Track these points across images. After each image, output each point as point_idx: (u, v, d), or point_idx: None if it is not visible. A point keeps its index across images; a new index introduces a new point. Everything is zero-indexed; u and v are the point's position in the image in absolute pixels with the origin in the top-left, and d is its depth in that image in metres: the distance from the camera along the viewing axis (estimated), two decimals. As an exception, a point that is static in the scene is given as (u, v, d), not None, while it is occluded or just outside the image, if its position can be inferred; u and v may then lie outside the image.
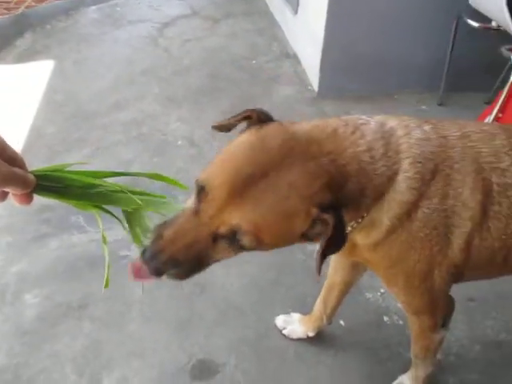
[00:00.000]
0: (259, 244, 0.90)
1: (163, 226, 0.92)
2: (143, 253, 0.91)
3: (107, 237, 0.96)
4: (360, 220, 1.03)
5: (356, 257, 1.19)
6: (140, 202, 0.94)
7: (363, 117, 1.05)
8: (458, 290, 1.35)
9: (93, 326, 1.81)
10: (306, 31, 3.52)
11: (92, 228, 2.19)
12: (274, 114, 3.16)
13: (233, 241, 0.89)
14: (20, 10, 4.41)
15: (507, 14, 2.37)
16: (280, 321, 1.77)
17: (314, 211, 0.89)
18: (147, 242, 0.94)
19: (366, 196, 0.99)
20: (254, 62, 3.79)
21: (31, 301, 1.91)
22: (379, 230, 1.05)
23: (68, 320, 1.83)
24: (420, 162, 1.02)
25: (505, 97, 2.38)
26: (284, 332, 1.75)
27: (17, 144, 2.81)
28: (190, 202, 0.94)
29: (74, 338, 1.77)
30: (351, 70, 3.28)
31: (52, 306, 1.88)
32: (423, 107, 3.25)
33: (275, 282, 1.96)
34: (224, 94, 3.37)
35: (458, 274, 1.16)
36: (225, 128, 1.05)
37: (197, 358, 1.70)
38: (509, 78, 2.47)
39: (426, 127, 1.08)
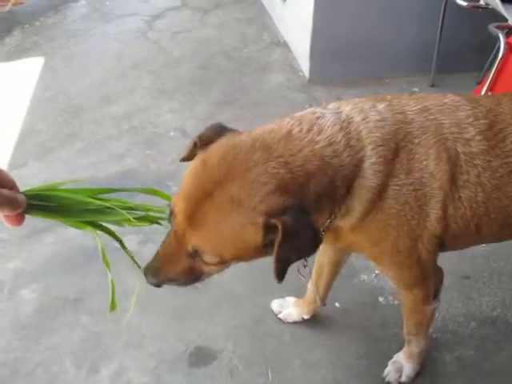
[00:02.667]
0: (223, 260, 0.98)
1: (161, 245, 1.04)
2: (145, 269, 1.02)
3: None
4: (338, 210, 1.05)
5: (341, 243, 1.21)
6: (133, 220, 0.96)
7: (317, 110, 1.06)
8: (452, 268, 1.37)
9: (90, 318, 1.82)
10: (295, 18, 3.50)
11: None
12: (266, 102, 3.16)
13: (199, 258, 0.98)
14: (7, 8, 4.38)
15: (494, -8, 2.36)
16: (275, 305, 1.78)
17: (261, 220, 0.90)
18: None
19: (337, 188, 1.01)
20: (244, 51, 3.78)
21: (28, 296, 1.92)
22: (354, 215, 1.07)
23: (65, 313, 1.84)
24: (381, 145, 1.04)
25: (494, 75, 2.38)
26: (280, 316, 1.76)
27: (9, 142, 2.81)
28: None
29: (72, 331, 1.78)
30: (341, 55, 3.27)
31: (49, 300, 1.89)
32: (415, 89, 3.24)
33: (270, 268, 1.95)
34: (215, 84, 3.36)
35: (441, 244, 1.18)
36: (189, 159, 1.06)
37: (194, 346, 1.71)
38: (498, 56, 2.47)
39: (380, 106, 1.09)
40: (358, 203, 1.05)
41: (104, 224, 0.97)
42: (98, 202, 0.91)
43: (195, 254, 0.97)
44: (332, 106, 1.12)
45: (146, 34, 4.15)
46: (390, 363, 1.60)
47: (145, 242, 2.05)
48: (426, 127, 1.09)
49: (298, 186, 0.94)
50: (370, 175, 1.03)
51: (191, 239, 0.95)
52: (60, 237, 2.15)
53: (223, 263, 0.99)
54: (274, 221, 0.89)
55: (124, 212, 0.93)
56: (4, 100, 3.26)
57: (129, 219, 0.95)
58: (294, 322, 1.75)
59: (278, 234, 0.89)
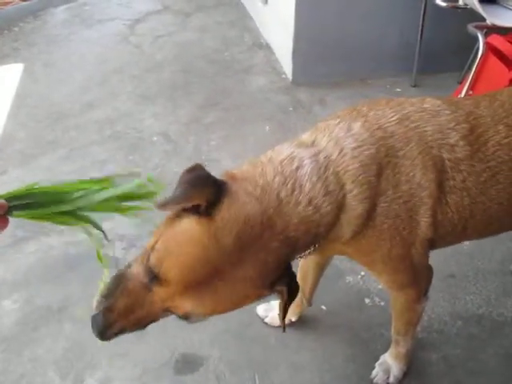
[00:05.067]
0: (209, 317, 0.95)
1: (110, 293, 0.93)
2: (93, 321, 0.93)
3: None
4: (325, 238, 1.05)
5: (330, 252, 1.20)
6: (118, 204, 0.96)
7: (296, 152, 1.02)
8: (438, 267, 1.37)
9: (74, 327, 1.79)
10: (277, 20, 3.51)
11: (69, 230, 2.16)
12: (249, 105, 3.16)
13: (183, 319, 0.94)
14: (-14, 14, 4.33)
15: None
16: (261, 310, 1.77)
17: (266, 292, 0.95)
18: (96, 306, 0.94)
19: (319, 234, 1.01)
20: (226, 54, 3.77)
21: (10, 306, 1.88)
22: (344, 237, 1.07)
23: (49, 323, 1.81)
24: (361, 174, 1.02)
25: (474, 74, 2.40)
26: (266, 320, 1.75)
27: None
28: (136, 264, 0.95)
29: (56, 341, 1.75)
30: (324, 56, 3.28)
31: (31, 310, 1.86)
32: (397, 90, 3.26)
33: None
34: (198, 87, 3.35)
35: (431, 245, 1.19)
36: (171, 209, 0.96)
37: (180, 353, 1.69)
38: (478, 55, 2.49)
39: (356, 127, 1.07)
40: (348, 230, 1.05)
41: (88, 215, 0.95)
42: (77, 190, 0.91)
43: (181, 317, 0.94)
44: (307, 137, 1.09)
45: (127, 38, 4.13)
46: (377, 365, 1.59)
47: (128, 249, 2.03)
48: (408, 137, 1.08)
49: (292, 251, 0.98)
50: (355, 206, 1.02)
51: (186, 307, 0.91)
52: (42, 245, 2.12)
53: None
54: (278, 289, 0.94)
55: (108, 193, 0.91)
56: (-17, 107, 3.21)
57: (114, 204, 0.93)
58: (280, 326, 1.74)
59: (283, 298, 0.96)
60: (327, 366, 1.64)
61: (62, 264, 2.02)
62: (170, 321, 1.82)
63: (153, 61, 3.74)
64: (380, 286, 1.87)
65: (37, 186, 0.89)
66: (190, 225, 0.90)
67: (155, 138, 2.84)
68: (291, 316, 1.72)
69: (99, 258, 0.99)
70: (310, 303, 1.69)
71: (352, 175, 1.02)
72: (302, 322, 1.75)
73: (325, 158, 1.02)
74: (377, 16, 3.21)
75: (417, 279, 1.27)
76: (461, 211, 1.13)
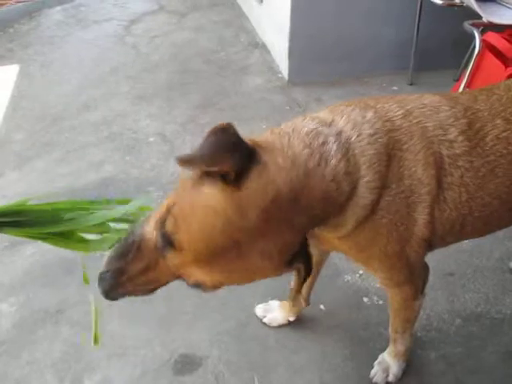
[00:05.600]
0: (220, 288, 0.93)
1: (122, 254, 0.91)
2: (101, 279, 0.91)
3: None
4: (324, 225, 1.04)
5: (325, 246, 1.19)
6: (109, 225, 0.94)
7: (320, 129, 1.01)
8: (437, 266, 1.37)
9: (71, 330, 1.78)
10: (272, 20, 3.50)
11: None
12: (246, 105, 3.14)
13: (195, 287, 0.92)
14: (-19, 16, 4.32)
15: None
16: (259, 310, 1.76)
17: (284, 268, 0.93)
18: (106, 263, 0.92)
19: (330, 213, 1.00)
20: (222, 54, 3.77)
21: (7, 310, 1.87)
22: (345, 229, 1.06)
23: (46, 326, 1.80)
24: (375, 162, 1.02)
25: (470, 72, 2.40)
26: (264, 320, 1.74)
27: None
28: (149, 226, 0.92)
29: (53, 344, 1.74)
30: (320, 55, 3.27)
31: (29, 313, 1.85)
32: (394, 88, 3.26)
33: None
34: (194, 88, 3.34)
35: (429, 245, 1.18)
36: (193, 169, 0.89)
37: (179, 353, 1.68)
38: (474, 53, 2.49)
39: (369, 115, 1.07)
40: (351, 220, 1.03)
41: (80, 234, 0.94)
42: (68, 211, 0.88)
43: (191, 285, 0.93)
44: (326, 116, 1.07)
45: (123, 38, 4.12)
46: (376, 364, 1.59)
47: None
48: (411, 132, 1.07)
49: (310, 227, 0.96)
50: (364, 193, 1.01)
51: (198, 276, 0.89)
52: (39, 249, 2.11)
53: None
54: (297, 266, 0.94)
55: (99, 214, 0.90)
56: (-21, 109, 3.20)
57: (103, 227, 0.92)
58: (279, 326, 1.73)
59: (300, 275, 0.97)
60: (326, 365, 1.63)
61: (59, 267, 2.01)
62: (170, 321, 1.82)
63: (149, 61, 3.73)
64: (378, 285, 1.87)
65: (29, 203, 0.87)
66: (212, 192, 0.84)
67: (152, 139, 2.83)
68: (289, 316, 1.72)
69: (85, 279, 0.97)
70: (307, 302, 1.69)
71: (367, 161, 1.01)
72: (300, 322, 1.74)
73: (346, 138, 1.02)
74: (373, 14, 3.21)
75: (413, 277, 1.26)
76: (459, 208, 1.13)
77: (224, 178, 0.83)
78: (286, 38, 3.18)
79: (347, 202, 1.00)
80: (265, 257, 0.88)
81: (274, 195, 0.86)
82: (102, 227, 0.92)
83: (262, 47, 3.78)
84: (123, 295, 0.93)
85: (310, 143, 0.97)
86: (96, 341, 0.95)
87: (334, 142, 0.99)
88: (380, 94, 3.01)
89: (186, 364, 1.66)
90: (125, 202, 0.96)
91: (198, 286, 0.91)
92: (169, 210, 0.88)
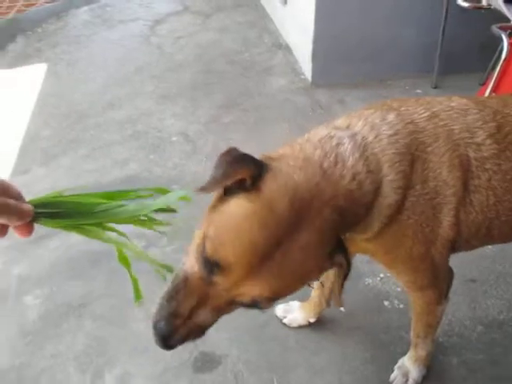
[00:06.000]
0: (277, 301, 0.92)
1: (171, 297, 0.90)
2: (156, 328, 0.90)
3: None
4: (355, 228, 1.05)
5: (351, 248, 1.20)
6: (143, 218, 0.91)
7: (333, 132, 1.03)
8: (458, 271, 1.36)
9: (94, 323, 1.82)
10: (297, 21, 3.50)
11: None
12: (269, 106, 3.14)
13: (252, 307, 0.90)
14: (11, 15, 4.41)
15: (496, -8, 2.35)
16: (280, 311, 1.77)
17: (328, 263, 0.93)
18: (157, 312, 0.90)
19: (359, 215, 1.01)
20: (246, 54, 3.78)
21: (33, 302, 1.92)
22: (371, 230, 1.07)
23: (70, 319, 1.84)
24: (397, 161, 1.03)
25: (497, 76, 2.37)
26: (284, 321, 1.75)
27: (12, 148, 2.82)
28: (189, 261, 0.92)
29: (76, 337, 1.78)
30: (343, 57, 3.26)
31: (53, 306, 1.89)
32: (418, 91, 3.23)
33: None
34: (218, 88, 3.36)
35: (453, 247, 1.18)
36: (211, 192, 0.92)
37: (199, 351, 1.70)
38: (501, 57, 2.45)
39: (390, 117, 1.08)
40: (377, 221, 1.04)
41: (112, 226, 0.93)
42: (104, 202, 0.88)
43: (247, 304, 0.89)
44: (342, 122, 1.10)
45: (148, 38, 4.16)
46: (396, 368, 1.58)
47: (147, 247, 2.05)
48: (437, 134, 1.08)
49: (340, 225, 0.95)
50: (389, 193, 1.02)
51: (252, 291, 0.86)
52: (64, 242, 2.15)
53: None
54: (338, 260, 0.93)
55: (133, 209, 0.90)
56: (7, 107, 3.28)
57: (138, 218, 0.91)
58: (299, 327, 1.74)
59: (343, 269, 0.95)
60: (346, 368, 1.63)
61: (85, 261, 2.05)
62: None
63: (173, 61, 3.77)
64: (399, 289, 1.86)
65: (66, 194, 0.87)
66: (239, 203, 0.87)
67: (175, 138, 2.86)
68: (310, 317, 1.72)
69: (121, 259, 0.95)
70: (329, 304, 1.69)
71: (389, 160, 1.02)
72: (320, 324, 1.75)
73: (362, 138, 1.03)
74: (397, 16, 3.19)
75: (437, 281, 1.26)
76: (485, 211, 1.12)
77: (243, 187, 0.88)
78: (310, 40, 3.18)
79: (373, 203, 1.01)
80: (306, 251, 0.88)
81: (293, 189, 0.88)
82: (136, 218, 0.92)
83: (286, 48, 3.79)
84: (181, 341, 0.91)
85: (323, 146, 0.99)
86: (138, 296, 0.94)
87: (349, 142, 1.01)
88: (403, 96, 2.99)
89: (206, 362, 1.68)
90: (163, 191, 0.95)
91: (255, 304, 0.89)
92: (204, 237, 0.88)
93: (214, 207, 0.92)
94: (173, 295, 0.90)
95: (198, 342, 1.69)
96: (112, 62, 3.81)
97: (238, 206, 0.87)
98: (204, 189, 0.86)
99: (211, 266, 0.86)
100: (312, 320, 1.73)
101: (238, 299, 0.88)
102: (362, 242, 1.12)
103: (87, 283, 1.96)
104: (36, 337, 1.78)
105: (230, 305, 0.90)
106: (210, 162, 2.61)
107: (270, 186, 0.87)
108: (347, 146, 1.00)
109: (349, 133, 1.04)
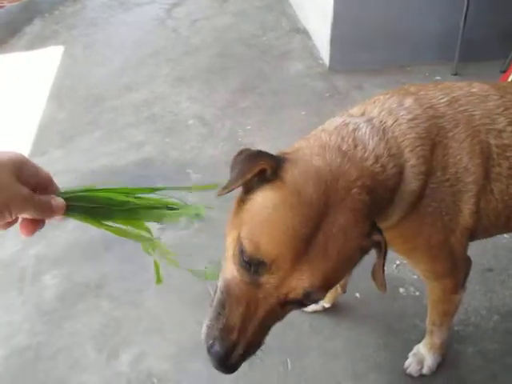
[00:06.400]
0: (328, 291, 0.89)
1: (219, 314, 0.86)
2: (210, 351, 0.85)
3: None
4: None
5: None
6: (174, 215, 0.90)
7: (346, 119, 1.02)
8: (475, 260, 1.35)
9: (111, 304, 1.84)
10: (316, 5, 3.45)
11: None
12: (286, 90, 3.12)
13: (305, 301, 0.86)
14: (28, -3, 4.41)
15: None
16: (295, 295, 1.77)
17: (367, 242, 0.89)
18: (207, 335, 0.87)
19: (385, 199, 0.99)
20: (263, 38, 3.74)
21: (50, 282, 1.94)
22: (394, 219, 1.05)
23: (86, 299, 1.86)
24: (418, 146, 1.01)
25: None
26: (300, 306, 1.75)
27: (30, 131, 2.84)
28: (228, 271, 0.89)
29: (93, 317, 1.80)
30: (362, 42, 3.21)
31: (71, 286, 1.91)
32: (437, 78, 3.17)
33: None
34: (234, 72, 3.34)
35: (472, 235, 1.16)
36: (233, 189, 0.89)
37: (213, 333, 1.71)
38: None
39: (408, 102, 1.06)
40: (400, 208, 1.03)
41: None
42: (137, 201, 0.87)
43: (300, 299, 0.85)
44: (356, 110, 1.08)
45: (164, 22, 4.14)
46: (410, 355, 1.58)
47: (164, 229, 2.06)
48: (457, 120, 1.06)
49: (371, 206, 0.92)
50: (411, 178, 1.01)
51: (304, 282, 0.82)
52: (81, 224, 2.14)
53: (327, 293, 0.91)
54: (376, 239, 0.89)
55: (166, 209, 0.88)
56: (25, 89, 3.30)
57: (170, 215, 0.90)
58: (314, 312, 1.74)
59: (382, 247, 0.89)
60: (360, 354, 1.63)
61: (100, 243, 2.07)
62: (205, 301, 1.85)
63: (189, 44, 3.75)
64: (415, 276, 1.85)
65: (96, 188, 0.85)
66: (265, 194, 0.86)
67: (191, 121, 2.86)
68: (325, 302, 1.72)
69: (158, 278, 0.94)
70: (344, 290, 1.69)
71: (410, 144, 1.01)
72: (335, 309, 1.75)
73: (380, 123, 1.02)
74: (418, 1, 3.12)
75: (455, 270, 1.25)
76: (506, 200, 1.11)
77: (264, 180, 0.87)
78: (329, 24, 3.13)
79: (395, 191, 1.00)
80: (346, 231, 0.85)
81: (315, 172, 0.87)
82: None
83: (304, 33, 3.74)
84: (243, 357, 0.87)
85: (339, 132, 0.98)
86: (158, 280, 0.93)
87: (367, 127, 1.00)
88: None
89: (221, 344, 1.68)
90: (193, 188, 0.93)
91: (309, 296, 0.84)
92: (238, 241, 0.86)
93: (239, 209, 0.90)
94: (220, 311, 0.86)
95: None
96: (128, 44, 3.81)
97: (265, 197, 0.86)
98: (226, 188, 0.86)
99: (255, 266, 0.83)
100: (327, 306, 1.73)
101: (291, 296, 0.83)
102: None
103: (103, 264, 1.98)
104: (53, 316, 1.81)
105: (283, 306, 0.86)
106: (227, 145, 2.62)
107: (292, 172, 0.86)
108: (365, 130, 0.99)
109: (365, 118, 1.03)
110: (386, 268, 1.90)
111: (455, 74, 3.20)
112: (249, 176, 0.86)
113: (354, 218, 0.87)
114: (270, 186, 0.86)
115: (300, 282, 0.82)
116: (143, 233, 0.90)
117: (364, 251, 0.91)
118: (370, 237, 0.89)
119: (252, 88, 3.13)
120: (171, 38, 3.88)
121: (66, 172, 2.46)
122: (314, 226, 0.83)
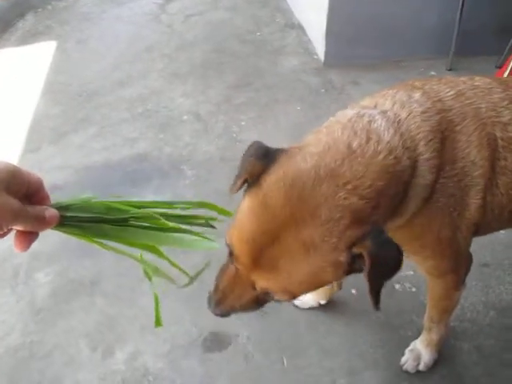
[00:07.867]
0: (295, 297, 0.94)
1: (219, 276, 1.02)
2: (209, 300, 1.03)
3: None
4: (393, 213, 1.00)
5: None
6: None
7: (363, 111, 1.00)
8: (472, 255, 1.34)
9: (105, 301, 1.82)
10: (310, 0, 3.43)
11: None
12: (281, 86, 3.10)
13: (267, 297, 0.97)
14: (20, -9, 4.36)
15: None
16: (291, 292, 1.76)
17: (343, 258, 0.83)
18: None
19: (398, 194, 0.96)
20: (257, 34, 3.72)
21: (44, 279, 1.92)
22: (406, 215, 1.03)
23: (81, 296, 1.85)
24: (431, 139, 1.00)
25: (516, 58, 2.31)
26: (296, 303, 1.74)
27: (23, 126, 2.81)
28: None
29: (87, 314, 1.78)
30: (357, 37, 3.20)
31: (64, 283, 1.90)
32: (432, 73, 3.17)
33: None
34: (229, 67, 3.32)
35: (476, 231, 1.15)
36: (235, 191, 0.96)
37: (209, 331, 1.70)
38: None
39: (416, 96, 1.05)
40: (413, 204, 1.00)
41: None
42: (140, 211, 0.79)
43: (263, 293, 0.95)
44: (368, 102, 1.07)
45: (158, 17, 4.11)
46: (407, 351, 1.57)
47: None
48: (464, 113, 1.05)
49: (370, 208, 0.88)
50: (424, 172, 0.98)
51: (259, 282, 0.91)
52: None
53: (295, 298, 0.97)
54: (357, 251, 0.83)
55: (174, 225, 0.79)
56: (17, 84, 3.26)
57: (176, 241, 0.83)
58: (310, 309, 1.73)
59: (366, 264, 0.83)
60: (356, 350, 1.63)
61: (94, 240, 2.04)
62: (201, 299, 1.83)
63: (184, 40, 3.72)
64: (411, 272, 1.84)
65: (93, 200, 0.77)
66: (246, 197, 0.93)
67: (185, 117, 2.84)
68: (321, 299, 1.71)
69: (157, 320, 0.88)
70: (340, 286, 1.68)
71: (424, 137, 0.99)
72: (331, 306, 1.74)
73: (395, 115, 1.00)
74: (413, -4, 3.12)
75: (458, 266, 1.24)
76: (510, 194, 1.09)
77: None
78: (324, 19, 3.11)
79: (408, 185, 0.97)
80: (310, 246, 0.84)
81: (293, 179, 0.87)
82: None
83: (298, 28, 3.72)
84: (228, 311, 1.01)
85: (353, 125, 0.96)
86: (158, 323, 0.89)
87: (382, 119, 0.98)
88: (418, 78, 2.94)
89: (216, 342, 1.68)
90: (205, 205, 0.86)
91: (269, 295, 0.95)
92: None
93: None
94: (216, 280, 1.03)
95: (208, 322, 1.71)
96: (122, 40, 3.77)
97: (245, 200, 0.93)
98: (231, 189, 0.96)
99: (231, 253, 0.95)
100: (323, 302, 1.72)
101: (257, 287, 0.94)
102: (390, 232, 1.05)
103: (98, 261, 1.95)
104: (47, 313, 1.79)
105: (254, 289, 0.95)
106: (222, 141, 2.60)
107: (269, 179, 0.89)
108: (380, 122, 0.97)
109: (379, 110, 1.01)
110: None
111: (450, 69, 3.19)
112: (239, 184, 0.94)
113: (325, 232, 0.83)
114: (251, 191, 0.92)
115: (258, 282, 0.92)
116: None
117: (341, 267, 0.85)
118: (350, 248, 0.83)
119: (247, 84, 3.11)
120: (165, 33, 3.85)
121: (60, 168, 2.43)
122: (271, 237, 0.86)
